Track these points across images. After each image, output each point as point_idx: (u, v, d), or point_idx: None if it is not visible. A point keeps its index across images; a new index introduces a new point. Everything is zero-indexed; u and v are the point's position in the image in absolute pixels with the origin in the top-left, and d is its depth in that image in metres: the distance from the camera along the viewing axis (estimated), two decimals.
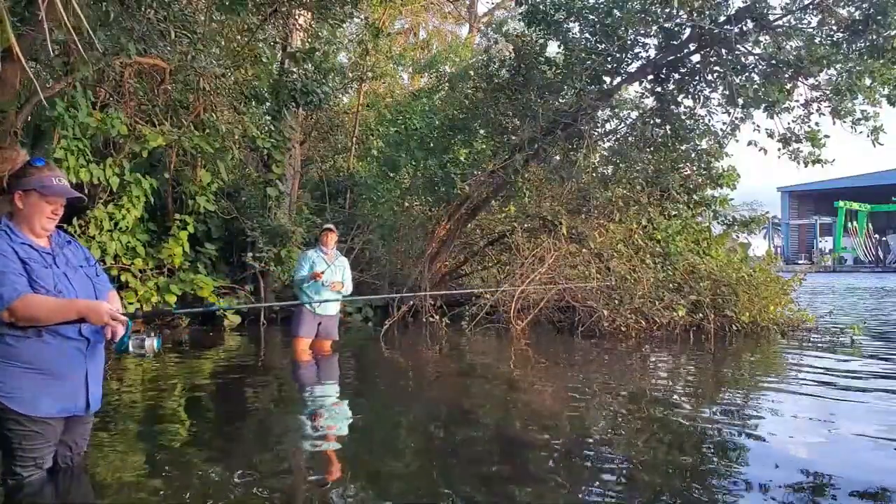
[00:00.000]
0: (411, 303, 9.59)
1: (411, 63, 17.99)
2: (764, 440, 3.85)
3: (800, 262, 41.28)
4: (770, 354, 7.71)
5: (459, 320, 9.30)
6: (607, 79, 9.59)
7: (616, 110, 10.36)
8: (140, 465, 3.46)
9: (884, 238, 47.67)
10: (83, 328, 2.74)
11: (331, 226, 6.98)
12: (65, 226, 2.87)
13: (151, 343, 2.88)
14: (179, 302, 8.69)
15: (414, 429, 4.43)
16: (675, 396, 5.43)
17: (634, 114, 10.29)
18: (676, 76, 9.36)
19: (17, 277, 2.59)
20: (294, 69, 10.13)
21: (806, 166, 9.17)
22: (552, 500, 3.09)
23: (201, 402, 5.13)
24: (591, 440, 3.97)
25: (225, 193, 9.82)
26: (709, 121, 9.58)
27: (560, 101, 9.67)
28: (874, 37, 7.82)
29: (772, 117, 8.82)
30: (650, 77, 9.48)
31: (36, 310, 2.59)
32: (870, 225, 48.28)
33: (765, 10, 8.26)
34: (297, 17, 10.41)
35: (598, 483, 3.26)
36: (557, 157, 10.15)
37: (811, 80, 8.65)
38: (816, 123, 8.98)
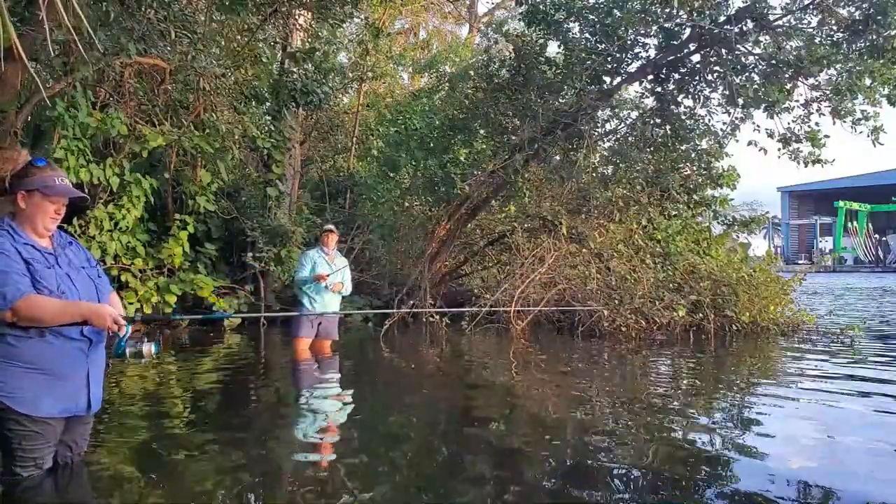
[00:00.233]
0: (412, 302, 9.59)
1: (411, 63, 17.99)
2: (763, 449, 3.74)
3: (800, 262, 41.30)
4: (770, 355, 7.70)
5: (459, 320, 9.30)
6: (607, 79, 9.60)
7: (616, 110, 10.36)
8: (140, 465, 3.45)
9: (884, 238, 47.70)
10: (85, 329, 2.75)
11: (332, 227, 6.98)
12: (65, 226, 2.87)
13: (149, 348, 2.88)
14: (179, 302, 8.69)
15: (414, 429, 4.42)
16: (675, 400, 5.43)
17: (634, 114, 10.30)
18: (676, 76, 9.36)
19: (21, 278, 2.59)
20: (294, 69, 10.13)
21: (806, 166, 9.18)
22: (552, 501, 3.09)
23: (201, 402, 5.13)
24: (590, 446, 3.95)
25: (225, 193, 9.82)
26: (709, 121, 9.60)
27: (560, 101, 9.67)
28: (874, 37, 7.82)
29: (772, 117, 8.82)
30: (650, 77, 9.49)
31: (39, 311, 2.59)
32: (870, 225, 48.30)
33: (765, 10, 8.26)
34: (297, 17, 10.41)
35: (597, 485, 3.26)
36: (557, 157, 10.15)
37: (811, 80, 8.65)
38: (816, 123, 9.00)
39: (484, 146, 11.12)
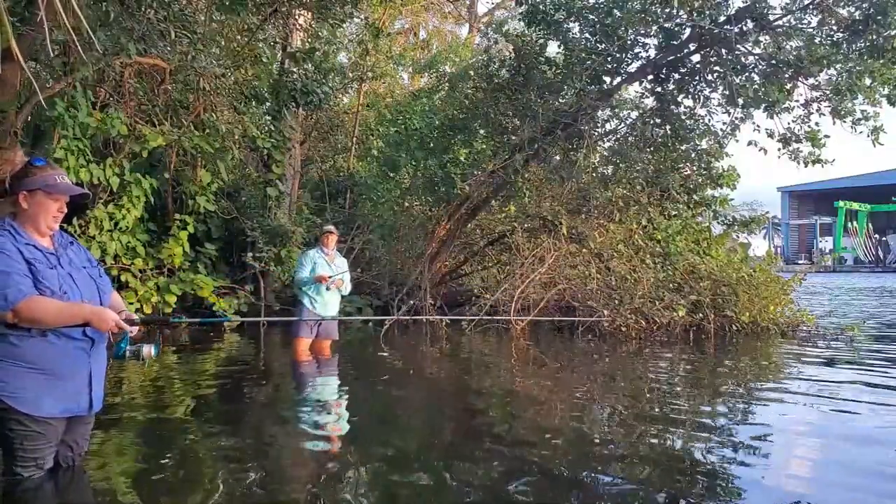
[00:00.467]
0: (412, 303, 9.59)
1: (411, 63, 17.99)
2: (762, 457, 3.70)
3: (800, 262, 41.32)
4: (770, 356, 7.70)
5: (459, 320, 9.29)
6: (607, 79, 9.60)
7: (616, 110, 10.36)
8: (140, 465, 3.46)
9: (884, 238, 47.73)
10: (87, 328, 2.74)
11: (332, 227, 6.98)
12: (65, 226, 2.87)
13: (149, 350, 2.88)
14: (179, 302, 8.68)
15: (414, 429, 4.43)
16: (674, 401, 5.43)
17: (634, 114, 10.30)
18: (676, 76, 9.36)
19: (22, 278, 2.58)
20: (294, 69, 10.13)
21: (806, 166, 9.18)
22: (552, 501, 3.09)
23: (201, 402, 5.12)
24: (590, 447, 3.96)
25: (225, 193, 9.82)
26: (709, 121, 9.60)
27: (560, 101, 9.67)
28: (874, 37, 7.82)
29: (772, 117, 8.82)
30: (650, 77, 9.49)
31: (40, 313, 2.59)
32: (870, 225, 48.32)
33: (765, 10, 8.26)
34: (297, 17, 10.41)
35: (597, 486, 3.26)
36: (557, 157, 10.16)
37: (811, 80, 8.65)
38: (816, 123, 9.00)
39: (484, 146, 11.11)
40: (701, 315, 8.54)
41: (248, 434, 4.16)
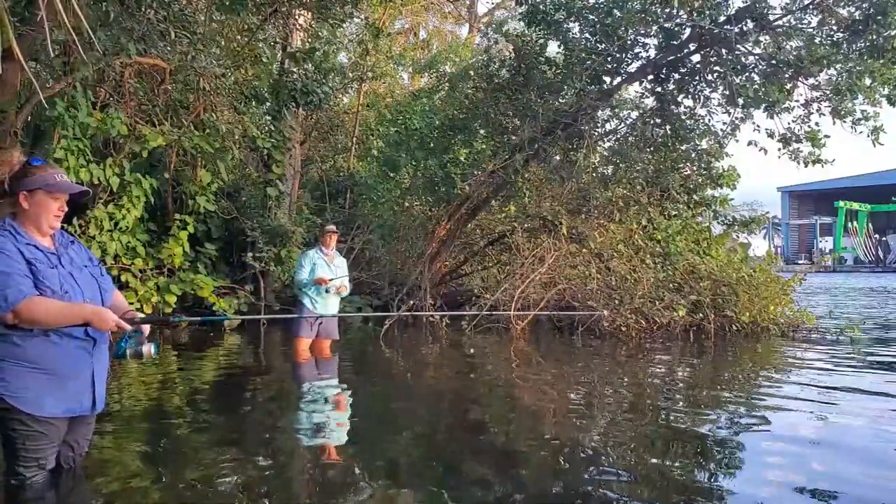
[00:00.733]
0: (412, 302, 9.59)
1: (411, 63, 17.99)
2: (762, 457, 3.70)
3: (800, 262, 41.32)
4: (770, 356, 7.70)
5: (459, 320, 9.30)
6: (607, 79, 9.60)
7: (616, 110, 10.36)
8: (141, 465, 3.46)
9: (884, 238, 47.73)
10: (89, 328, 2.74)
11: (333, 227, 6.98)
12: (65, 226, 2.87)
13: (149, 349, 2.89)
14: (179, 302, 8.68)
15: (414, 429, 4.43)
16: (674, 402, 5.43)
17: (634, 114, 10.30)
18: (676, 76, 9.36)
19: (23, 279, 2.58)
20: (294, 69, 10.13)
21: (806, 166, 9.17)
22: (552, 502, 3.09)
23: (202, 402, 5.13)
24: (590, 448, 3.96)
25: (225, 193, 9.82)
26: (709, 121, 9.59)
27: (560, 101, 9.67)
28: (874, 37, 7.83)
29: (772, 117, 8.82)
30: (650, 77, 9.49)
31: (41, 313, 2.58)
32: (870, 225, 48.33)
33: (765, 10, 8.26)
34: (297, 17, 10.41)
35: (596, 486, 3.27)
36: (557, 157, 10.16)
37: (811, 80, 8.65)
38: (816, 123, 9.00)
39: (484, 146, 11.12)
40: (701, 315, 8.54)
41: (248, 434, 4.16)
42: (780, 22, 8.46)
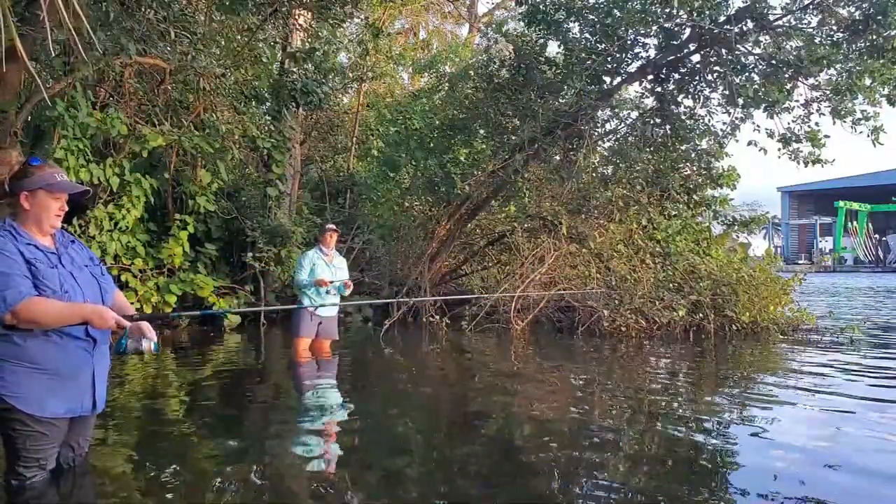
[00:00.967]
0: (411, 303, 9.60)
1: (411, 63, 17.98)
2: (761, 459, 3.68)
3: (800, 262, 41.35)
4: (770, 356, 7.69)
5: (459, 320, 9.30)
6: (607, 79, 9.60)
7: (616, 110, 10.36)
8: (141, 465, 3.46)
9: (884, 238, 47.71)
10: (90, 328, 2.74)
11: (333, 226, 6.98)
12: (65, 226, 2.88)
13: (149, 345, 2.89)
14: (179, 302, 8.69)
15: (413, 430, 4.42)
16: (674, 403, 5.43)
17: (634, 114, 10.29)
18: (676, 76, 9.36)
19: (22, 279, 2.58)
20: (294, 69, 10.14)
21: (806, 166, 9.17)
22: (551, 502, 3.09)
23: (202, 402, 5.13)
24: (589, 449, 3.96)
25: (225, 193, 9.82)
26: (709, 121, 9.58)
27: (560, 101, 9.68)
28: (874, 37, 7.83)
29: (772, 117, 8.82)
30: (650, 77, 9.49)
31: (40, 314, 2.58)
32: (870, 225, 48.32)
33: (765, 10, 8.26)
34: (297, 17, 10.41)
35: (596, 487, 3.27)
36: (557, 157, 10.16)
37: (811, 80, 8.65)
38: (816, 123, 8.99)
39: (484, 146, 11.12)
40: (701, 315, 8.54)
41: (248, 434, 4.17)
42: (779, 22, 8.46)
